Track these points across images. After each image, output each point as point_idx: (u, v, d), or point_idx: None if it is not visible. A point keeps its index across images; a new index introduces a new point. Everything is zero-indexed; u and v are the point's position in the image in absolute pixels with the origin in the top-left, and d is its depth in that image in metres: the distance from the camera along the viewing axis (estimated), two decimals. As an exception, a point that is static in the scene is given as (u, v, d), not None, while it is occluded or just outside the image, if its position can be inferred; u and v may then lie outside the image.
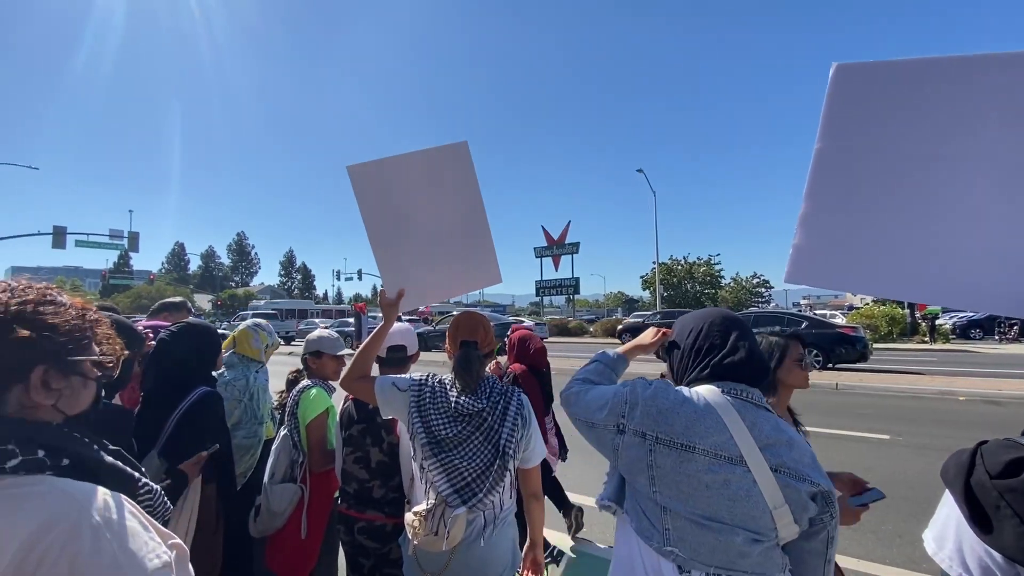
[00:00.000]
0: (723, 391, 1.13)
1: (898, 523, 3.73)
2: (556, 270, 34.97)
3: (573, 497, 4.37)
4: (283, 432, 2.25)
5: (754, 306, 39.72)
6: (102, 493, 0.71)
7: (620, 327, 24.52)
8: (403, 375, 1.70)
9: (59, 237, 23.83)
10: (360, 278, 45.97)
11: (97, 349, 0.84)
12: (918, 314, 23.50)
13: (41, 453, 0.70)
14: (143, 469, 0.95)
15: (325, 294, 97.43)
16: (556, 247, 34.79)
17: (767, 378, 1.21)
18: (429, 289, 1.85)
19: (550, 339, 26.67)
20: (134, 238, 28.04)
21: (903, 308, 23.60)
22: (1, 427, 0.70)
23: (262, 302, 49.22)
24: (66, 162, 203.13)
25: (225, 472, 1.92)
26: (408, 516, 1.54)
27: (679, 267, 41.07)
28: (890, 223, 1.28)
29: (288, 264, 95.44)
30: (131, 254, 34.57)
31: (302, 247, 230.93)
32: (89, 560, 0.64)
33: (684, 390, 1.16)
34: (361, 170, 1.64)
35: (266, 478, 2.18)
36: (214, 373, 2.13)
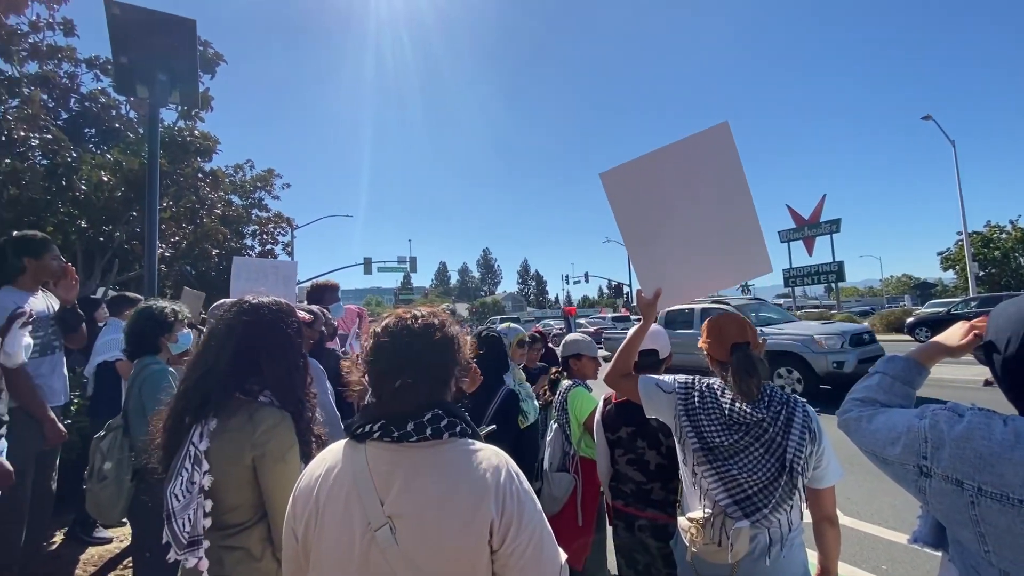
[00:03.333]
0: None
1: None
2: (810, 254, 29.57)
3: (866, 528, 3.67)
4: (554, 426, 2.49)
5: None
6: (499, 450, 1.01)
7: (911, 320, 19.36)
8: (667, 376, 1.69)
9: (367, 265, 31.74)
10: (587, 280, 47.55)
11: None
12: None
13: (463, 424, 1.01)
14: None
15: (556, 298, 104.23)
16: (808, 227, 29.50)
17: None
18: (688, 285, 1.78)
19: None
20: (413, 262, 35.18)
21: None
22: (451, 408, 1.02)
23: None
24: (368, 205, 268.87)
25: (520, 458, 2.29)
26: (683, 521, 1.53)
27: (1003, 236, 30.10)
28: None
29: (524, 273, 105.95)
30: (411, 274, 43.37)
31: (535, 254, 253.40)
32: (526, 493, 0.95)
33: (1019, 422, 0.84)
34: (614, 174, 1.66)
35: (546, 465, 2.44)
36: None
